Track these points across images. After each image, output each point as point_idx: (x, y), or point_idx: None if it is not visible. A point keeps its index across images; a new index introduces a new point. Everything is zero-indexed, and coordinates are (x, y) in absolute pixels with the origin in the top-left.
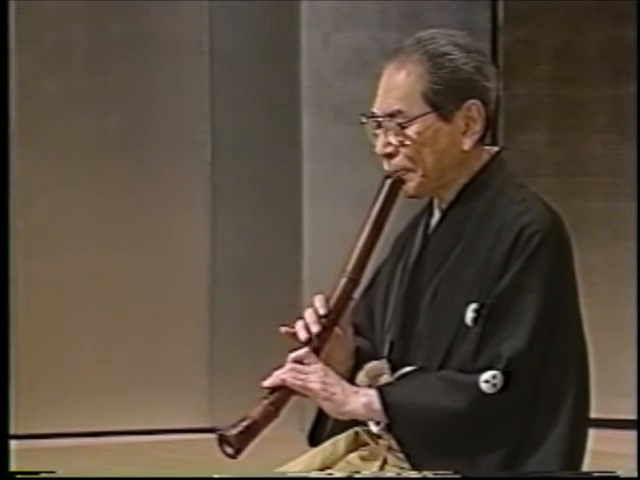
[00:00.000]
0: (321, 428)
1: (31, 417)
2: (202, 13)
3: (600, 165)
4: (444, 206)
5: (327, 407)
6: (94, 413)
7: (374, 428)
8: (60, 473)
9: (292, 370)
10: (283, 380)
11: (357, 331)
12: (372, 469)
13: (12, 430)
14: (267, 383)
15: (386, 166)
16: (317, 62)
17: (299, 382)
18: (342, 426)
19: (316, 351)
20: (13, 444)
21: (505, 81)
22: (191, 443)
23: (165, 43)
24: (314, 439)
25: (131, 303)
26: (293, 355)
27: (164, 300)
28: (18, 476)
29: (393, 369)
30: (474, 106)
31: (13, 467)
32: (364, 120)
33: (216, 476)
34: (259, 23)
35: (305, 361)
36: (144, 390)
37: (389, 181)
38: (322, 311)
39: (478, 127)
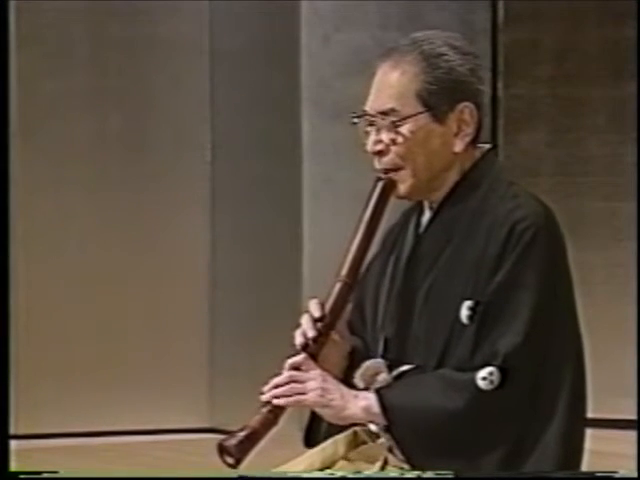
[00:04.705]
0: (315, 430)
1: (31, 417)
2: (202, 13)
3: (600, 165)
4: (435, 204)
5: (326, 413)
6: (94, 413)
7: (373, 427)
8: (60, 473)
9: (290, 378)
10: (279, 399)
11: (350, 329)
12: (373, 469)
13: (12, 430)
14: (265, 398)
15: (377, 164)
16: (317, 62)
17: (294, 398)
18: (340, 426)
19: (313, 356)
20: (13, 444)
21: (505, 81)
22: (191, 443)
23: (165, 43)
24: (309, 440)
25: (131, 303)
26: (290, 361)
27: (164, 300)
28: (21, 476)
29: (390, 367)
30: (467, 108)
31: (13, 467)
32: (356, 120)
33: (216, 476)
34: (259, 23)
35: (303, 367)
36: (144, 390)
37: (381, 183)
38: (317, 314)
39: (470, 130)
